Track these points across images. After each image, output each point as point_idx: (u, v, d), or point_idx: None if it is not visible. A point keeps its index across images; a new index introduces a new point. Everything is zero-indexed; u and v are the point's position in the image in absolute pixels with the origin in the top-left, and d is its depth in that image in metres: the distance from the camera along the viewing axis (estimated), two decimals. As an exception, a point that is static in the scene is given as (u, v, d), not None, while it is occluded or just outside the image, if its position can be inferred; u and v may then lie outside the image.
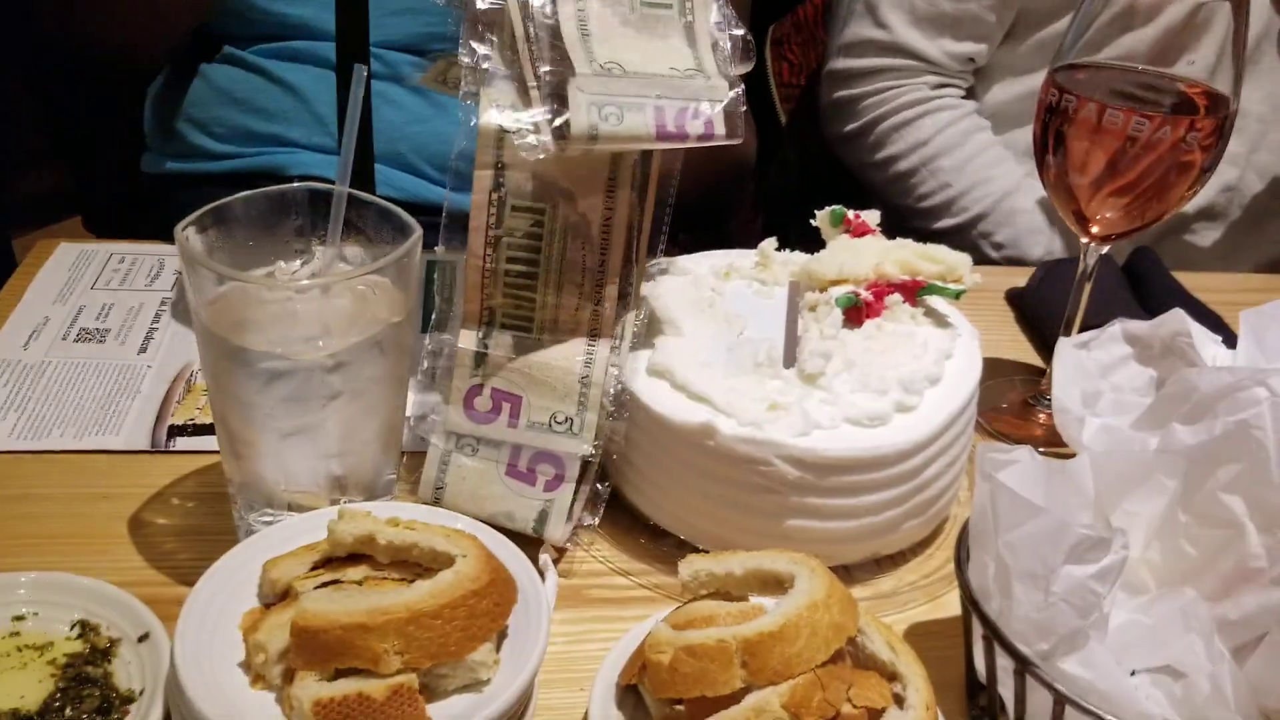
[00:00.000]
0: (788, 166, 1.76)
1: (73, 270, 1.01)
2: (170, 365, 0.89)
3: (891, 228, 0.84)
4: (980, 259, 1.30)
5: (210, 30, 1.18)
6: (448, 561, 0.58)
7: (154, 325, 0.94)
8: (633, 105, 0.67)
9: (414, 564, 0.61)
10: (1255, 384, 0.58)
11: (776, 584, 0.61)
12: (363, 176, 1.13)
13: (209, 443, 0.80)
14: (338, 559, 0.62)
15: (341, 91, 1.12)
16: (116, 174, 1.36)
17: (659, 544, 0.75)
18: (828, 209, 0.84)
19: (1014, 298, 1.09)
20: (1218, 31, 0.76)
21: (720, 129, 0.68)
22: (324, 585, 0.60)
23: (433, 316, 0.74)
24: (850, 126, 1.40)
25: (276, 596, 0.60)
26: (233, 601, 0.61)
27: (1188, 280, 1.10)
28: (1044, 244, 1.31)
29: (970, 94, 1.41)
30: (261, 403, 0.66)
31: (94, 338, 0.92)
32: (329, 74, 1.11)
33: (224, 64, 1.18)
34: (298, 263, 0.71)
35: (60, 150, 1.59)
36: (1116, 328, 0.70)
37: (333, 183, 0.70)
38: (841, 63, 1.38)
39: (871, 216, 0.83)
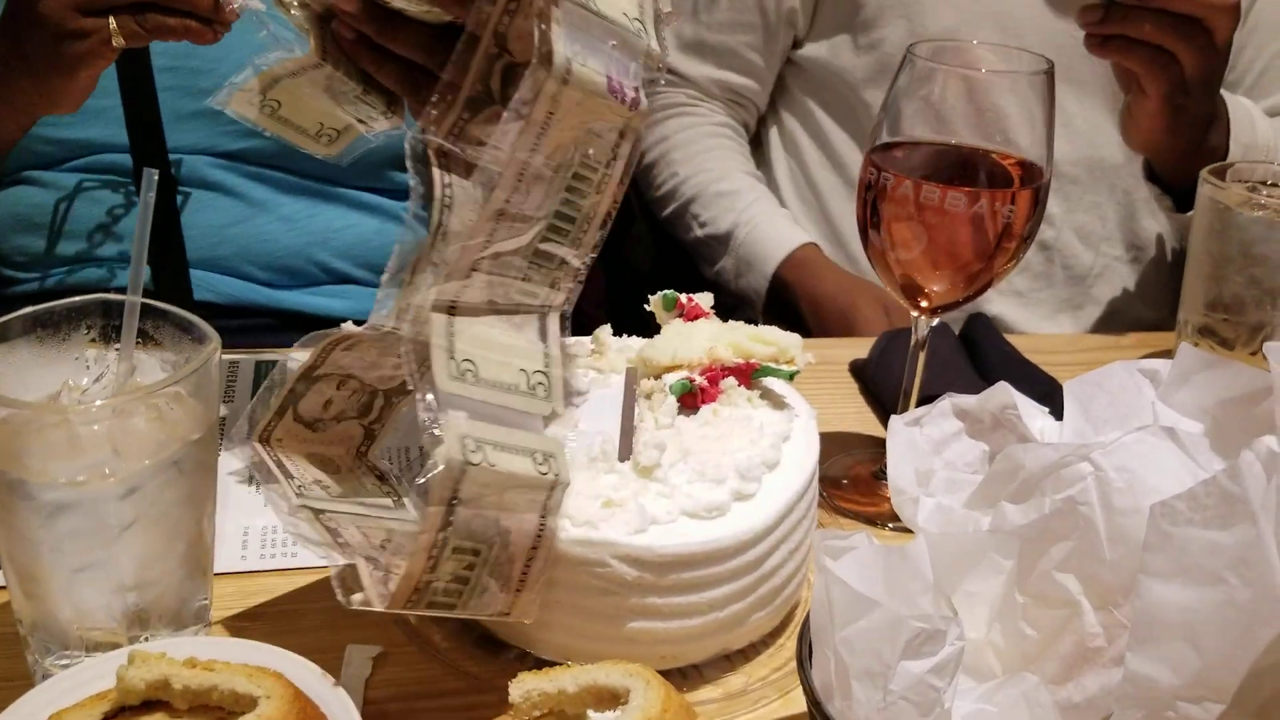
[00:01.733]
0: (642, 244, 1.76)
1: None
2: (-36, 491, 0.82)
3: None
4: (689, 239, 1.46)
5: None
6: (250, 704, 0.54)
7: (-53, 448, 0.87)
8: (596, 50, 0.61)
9: (215, 708, 0.56)
10: (1079, 459, 0.57)
11: (612, 698, 0.58)
12: (176, 283, 1.08)
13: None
14: (131, 707, 0.56)
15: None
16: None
17: (499, 657, 0.71)
18: (660, 293, 0.82)
19: (857, 370, 1.09)
20: (1028, 103, 0.77)
21: (643, 103, 0.64)
22: (115, 739, 0.54)
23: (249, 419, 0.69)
24: None
25: (61, 756, 0.55)
26: (13, 763, 0.55)
27: (1022, 343, 1.12)
28: (732, 219, 1.41)
29: (761, 125, 1.54)
30: (47, 537, 0.61)
31: (-122, 466, 0.84)
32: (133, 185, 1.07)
33: (18, 186, 1.11)
34: (87, 380, 0.66)
35: None
36: (946, 403, 0.70)
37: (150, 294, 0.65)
38: None
39: (705, 299, 0.82)
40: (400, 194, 1.22)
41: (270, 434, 0.69)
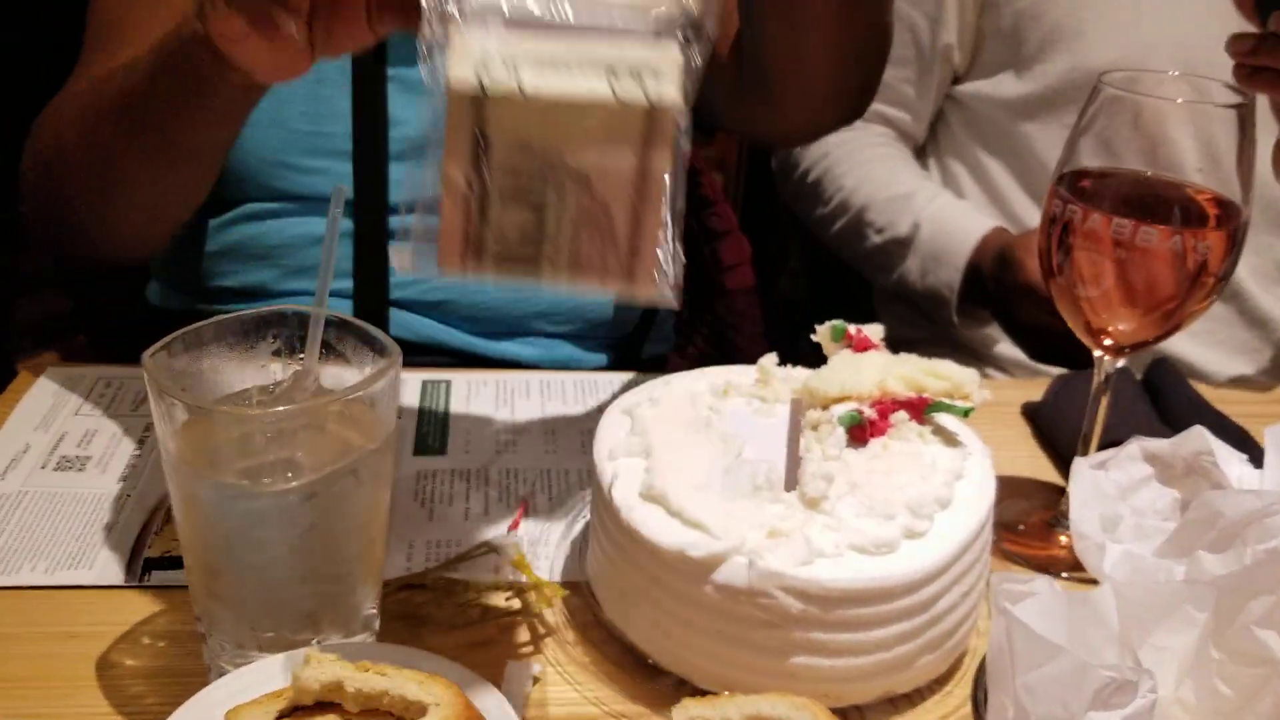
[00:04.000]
0: (796, 277, 1.75)
1: (57, 395, 0.99)
2: (151, 494, 0.86)
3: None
4: (866, 249, 1.43)
5: (225, 190, 1.12)
6: (420, 711, 0.54)
7: (137, 452, 0.91)
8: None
9: (386, 713, 0.56)
10: (1286, 509, 0.54)
11: (777, 731, 0.56)
12: (376, 319, 1.11)
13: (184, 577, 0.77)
14: (304, 708, 0.57)
15: (358, 247, 1.10)
16: (120, 301, 1.33)
17: (657, 683, 0.70)
18: (828, 324, 0.81)
19: (1030, 412, 1.05)
20: (1225, 137, 0.74)
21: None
22: (288, 737, 0.56)
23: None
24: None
25: (237, 750, 0.56)
26: (191, 755, 0.56)
27: (1211, 394, 1.06)
28: (911, 219, 1.38)
29: (922, 165, 1.52)
30: (229, 536, 0.63)
31: (74, 466, 0.89)
32: None
33: (242, 223, 1.14)
34: (273, 387, 0.68)
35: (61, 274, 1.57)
36: (1134, 447, 0.67)
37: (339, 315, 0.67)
38: None
39: (874, 331, 0.80)
40: None
41: None
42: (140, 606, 0.75)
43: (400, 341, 1.11)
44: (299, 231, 1.12)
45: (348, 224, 1.10)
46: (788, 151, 1.55)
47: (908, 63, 1.44)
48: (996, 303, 1.28)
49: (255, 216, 1.13)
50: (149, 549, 0.80)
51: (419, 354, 1.14)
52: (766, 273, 1.74)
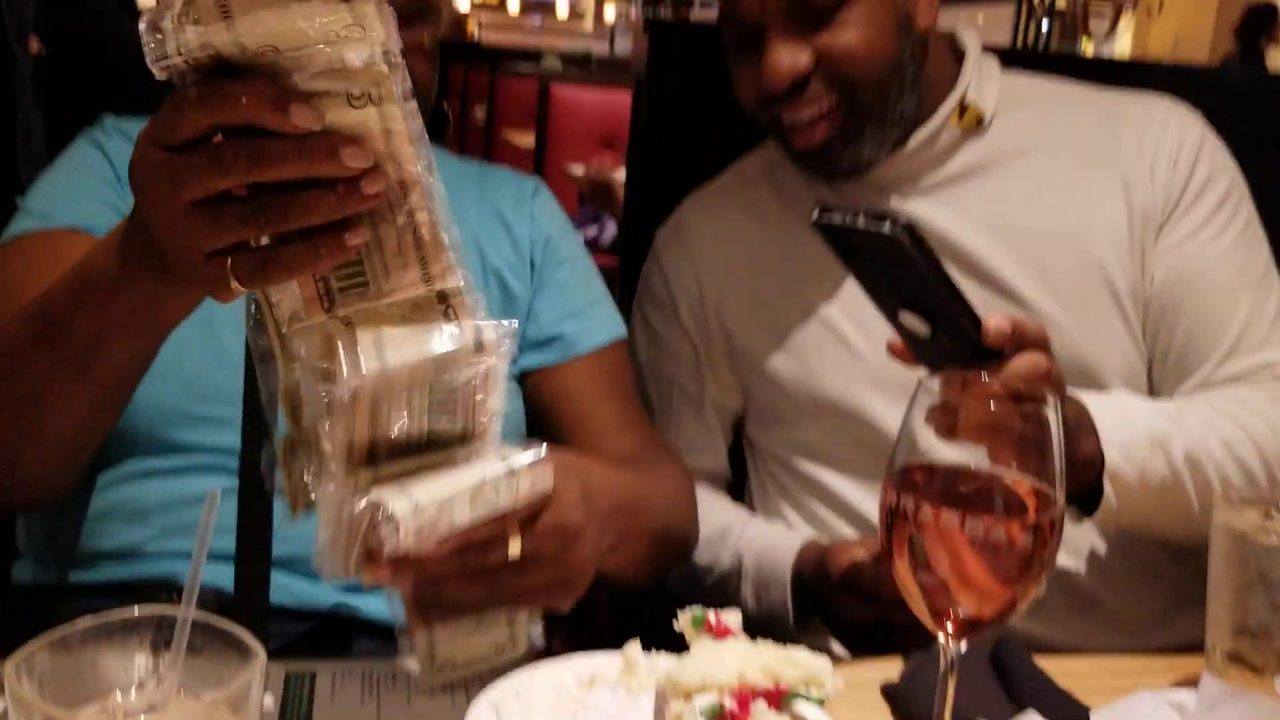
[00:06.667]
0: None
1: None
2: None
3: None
4: (705, 590, 1.43)
5: (110, 449, 1.12)
6: None
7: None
8: None
9: None
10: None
11: None
12: (257, 587, 1.09)
13: None
14: None
15: (242, 506, 1.09)
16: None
17: None
18: (689, 612, 0.84)
19: (888, 693, 1.08)
20: (1036, 435, 0.82)
21: None
22: None
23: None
24: None
25: None
26: None
27: (1053, 666, 1.11)
28: (733, 552, 1.41)
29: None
30: None
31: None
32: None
33: (126, 482, 1.14)
34: (134, 691, 0.68)
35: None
36: (976, 732, 0.70)
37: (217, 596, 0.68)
38: None
39: (732, 618, 0.84)
40: None
41: None
42: None
43: (280, 610, 1.11)
44: (180, 491, 1.12)
45: (232, 480, 1.09)
46: None
47: (684, 417, 1.51)
48: (821, 605, 1.32)
49: (137, 475, 1.12)
50: None
51: (296, 621, 1.12)
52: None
